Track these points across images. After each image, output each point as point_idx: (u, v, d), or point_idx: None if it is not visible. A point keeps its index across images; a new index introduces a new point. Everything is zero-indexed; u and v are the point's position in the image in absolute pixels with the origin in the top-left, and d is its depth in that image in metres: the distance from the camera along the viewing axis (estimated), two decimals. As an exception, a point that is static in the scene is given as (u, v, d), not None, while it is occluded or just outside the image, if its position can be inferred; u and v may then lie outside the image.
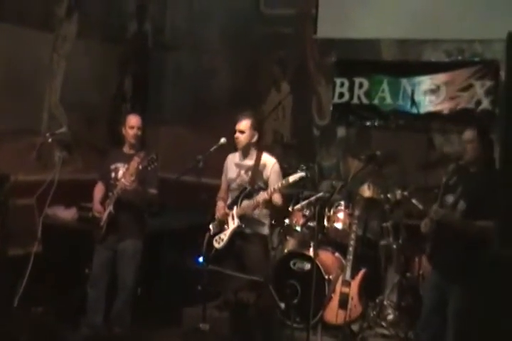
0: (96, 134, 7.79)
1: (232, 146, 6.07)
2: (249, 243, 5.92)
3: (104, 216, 6.07)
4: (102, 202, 6.16)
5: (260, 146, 6.11)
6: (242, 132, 5.92)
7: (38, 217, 6.84)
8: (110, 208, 6.03)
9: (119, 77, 8.26)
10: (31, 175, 6.90)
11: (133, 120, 6.24)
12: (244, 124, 5.92)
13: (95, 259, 6.18)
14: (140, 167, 5.85)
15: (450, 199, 5.01)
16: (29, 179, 6.87)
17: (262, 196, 5.73)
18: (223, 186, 6.22)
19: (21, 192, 6.79)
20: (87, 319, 6.18)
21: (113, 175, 6.18)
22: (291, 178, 5.62)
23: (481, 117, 6.89)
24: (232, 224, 5.89)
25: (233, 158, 6.14)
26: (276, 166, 5.97)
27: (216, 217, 6.03)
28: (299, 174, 5.66)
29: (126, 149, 6.27)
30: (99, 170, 6.43)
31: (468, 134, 5.06)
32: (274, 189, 5.69)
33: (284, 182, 5.68)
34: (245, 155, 6.03)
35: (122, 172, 6.10)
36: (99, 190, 6.31)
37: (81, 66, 7.65)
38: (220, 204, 6.09)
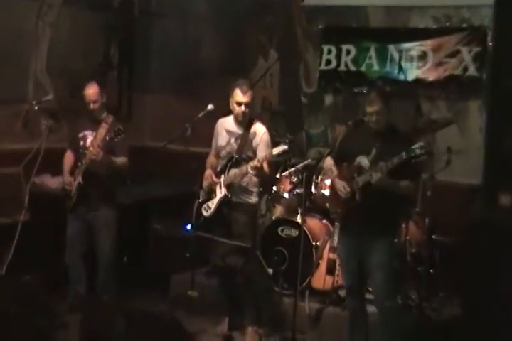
0: (82, 102, 7.71)
1: (219, 112, 5.97)
2: (236, 212, 5.86)
3: (74, 186, 6.03)
4: (72, 172, 6.11)
5: (252, 114, 6.01)
6: (248, 105, 5.74)
7: (25, 186, 6.82)
8: (79, 179, 5.98)
9: (105, 44, 8.17)
10: (18, 143, 6.88)
11: (88, 92, 6.02)
12: (249, 95, 5.73)
13: (68, 230, 6.18)
14: (107, 138, 5.79)
15: (364, 160, 5.10)
16: (15, 147, 6.86)
17: (252, 164, 5.59)
18: (213, 152, 6.08)
19: (8, 160, 6.79)
20: (70, 289, 6.21)
21: (81, 143, 6.10)
22: (275, 151, 5.58)
23: (468, 83, 6.90)
24: (220, 193, 5.84)
25: (223, 123, 5.97)
26: (266, 135, 5.86)
27: (204, 185, 5.98)
28: (282, 147, 5.60)
29: (92, 116, 6.14)
30: (68, 137, 6.35)
31: (370, 99, 5.15)
32: (259, 160, 5.59)
33: (267, 154, 5.64)
34: (240, 123, 5.87)
35: (90, 141, 6.03)
36: (68, 160, 6.24)
37: (67, 34, 7.57)
38: (208, 172, 5.98)
